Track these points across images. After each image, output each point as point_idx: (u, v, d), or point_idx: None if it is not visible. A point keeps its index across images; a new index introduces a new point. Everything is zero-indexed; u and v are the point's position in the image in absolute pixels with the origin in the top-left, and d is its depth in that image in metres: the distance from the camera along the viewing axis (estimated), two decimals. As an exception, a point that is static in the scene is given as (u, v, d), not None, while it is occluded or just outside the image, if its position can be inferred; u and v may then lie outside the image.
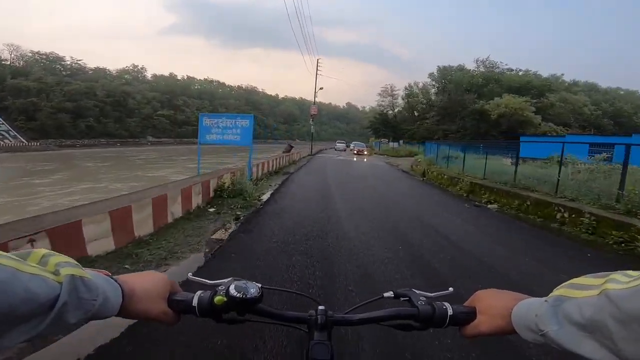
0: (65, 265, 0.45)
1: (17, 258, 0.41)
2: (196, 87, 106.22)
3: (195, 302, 0.63)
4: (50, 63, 70.00)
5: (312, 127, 33.73)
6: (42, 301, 0.40)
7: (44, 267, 0.44)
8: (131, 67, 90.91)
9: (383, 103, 67.88)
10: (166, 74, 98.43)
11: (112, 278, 0.55)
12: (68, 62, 72.50)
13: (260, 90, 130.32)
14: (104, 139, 61.25)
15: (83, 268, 0.48)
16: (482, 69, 59.03)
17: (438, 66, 61.26)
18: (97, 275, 0.51)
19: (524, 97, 44.79)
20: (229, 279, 0.67)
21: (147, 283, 0.61)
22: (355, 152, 34.74)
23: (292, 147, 31.78)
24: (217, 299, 0.61)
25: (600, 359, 0.40)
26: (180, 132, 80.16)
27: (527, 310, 0.53)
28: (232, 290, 0.61)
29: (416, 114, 63.02)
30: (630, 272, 0.41)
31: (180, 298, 0.64)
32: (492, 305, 0.62)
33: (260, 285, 0.65)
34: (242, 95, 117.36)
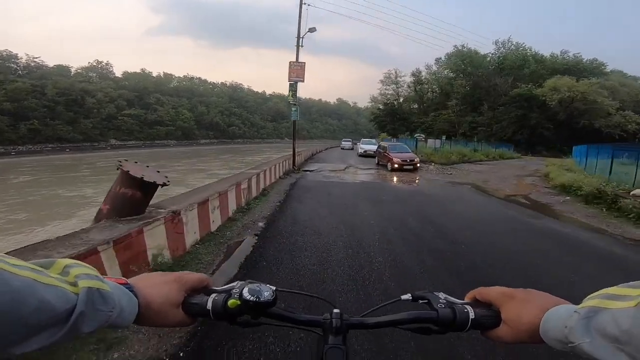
0: (85, 277, 0.45)
1: (38, 268, 0.42)
2: (174, 84, 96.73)
3: (209, 305, 0.62)
4: (2, 61, 59.29)
5: (293, 109, 15.56)
6: (58, 311, 0.41)
7: (64, 277, 0.45)
8: (94, 63, 78.63)
9: (387, 91, 56.35)
10: (139, 70, 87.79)
11: (130, 289, 0.54)
12: (23, 60, 62.71)
13: (246, 87, 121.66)
14: (53, 143, 52.73)
15: (103, 279, 0.48)
16: (502, 52, 47.65)
17: (456, 46, 49.53)
18: (115, 286, 0.51)
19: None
20: (243, 282, 0.65)
21: (163, 293, 0.59)
22: (394, 165, 16.11)
23: None
24: (230, 302, 0.60)
25: None
26: (151, 134, 70.40)
27: (555, 321, 0.50)
28: (246, 294, 0.60)
29: (425, 104, 52.22)
30: None
31: (195, 302, 0.63)
32: (518, 316, 0.56)
33: (274, 288, 0.63)
34: (226, 92, 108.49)
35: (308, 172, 14.78)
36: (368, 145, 23.25)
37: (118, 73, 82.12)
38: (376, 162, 19.56)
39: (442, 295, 0.66)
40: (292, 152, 15.89)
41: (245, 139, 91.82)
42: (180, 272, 0.66)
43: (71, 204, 13.43)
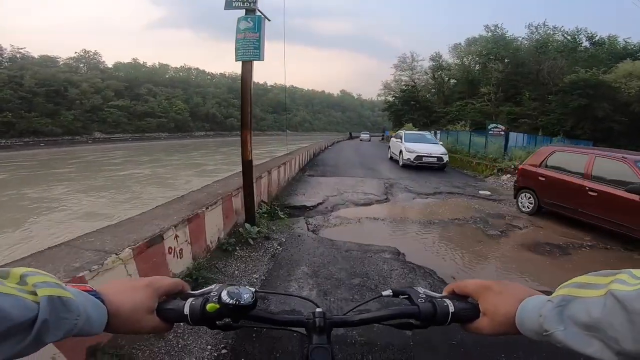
0: (43, 286, 0.43)
1: None
2: (170, 74, 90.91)
3: (187, 310, 0.59)
4: (-16, 53, 55.68)
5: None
6: (17, 321, 0.39)
7: (22, 286, 0.42)
8: (82, 53, 72.59)
9: (401, 77, 48.18)
10: (133, 62, 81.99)
11: (96, 296, 0.51)
12: (8, 51, 57.49)
13: None
14: (29, 137, 47.81)
15: (64, 286, 0.46)
16: (537, 36, 39.57)
17: (487, 26, 41.13)
18: (79, 293, 0.48)
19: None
20: (221, 284, 0.63)
21: (133, 299, 0.56)
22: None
23: None
24: (209, 306, 0.58)
25: (606, 358, 0.40)
26: (141, 126, 64.48)
27: (530, 310, 0.50)
28: (225, 297, 0.58)
29: (445, 93, 44.54)
30: (635, 271, 0.41)
31: (171, 307, 0.60)
32: (495, 306, 0.57)
33: (254, 289, 0.61)
34: (225, 83, 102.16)
35: (295, 227, 5.34)
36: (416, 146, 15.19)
37: (111, 64, 76.95)
38: (389, 156, 15.72)
39: (420, 289, 0.66)
40: (289, 152, 8.53)
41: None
42: (152, 277, 0.61)
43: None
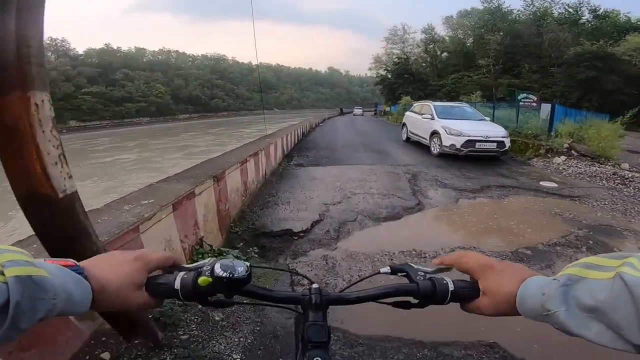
0: (11, 265, 0.37)
1: None
2: (147, 58, 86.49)
3: (177, 284, 0.54)
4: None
5: None
6: None
7: None
8: (48, 41, 68.10)
9: (393, 51, 44.99)
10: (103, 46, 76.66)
11: (78, 271, 0.46)
12: None
13: (230, 58, 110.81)
14: None
15: (38, 263, 0.40)
16: (534, 9, 37.22)
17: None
18: (57, 269, 0.43)
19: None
20: (214, 258, 0.56)
21: (121, 274, 0.51)
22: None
23: None
24: (201, 279, 0.52)
25: (605, 342, 0.38)
26: (119, 112, 61.19)
27: (534, 289, 0.47)
28: (218, 270, 0.53)
29: (439, 66, 42.33)
30: None
31: (161, 281, 0.54)
32: (496, 286, 0.53)
33: (248, 263, 0.56)
34: (208, 64, 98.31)
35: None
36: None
37: (82, 51, 71.89)
38: (404, 137, 11.31)
39: (420, 267, 0.61)
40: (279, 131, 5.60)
41: (230, 112, 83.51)
42: (141, 250, 0.56)
43: None
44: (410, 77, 36.53)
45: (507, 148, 7.88)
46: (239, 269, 0.53)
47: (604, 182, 6.25)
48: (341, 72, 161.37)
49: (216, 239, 3.23)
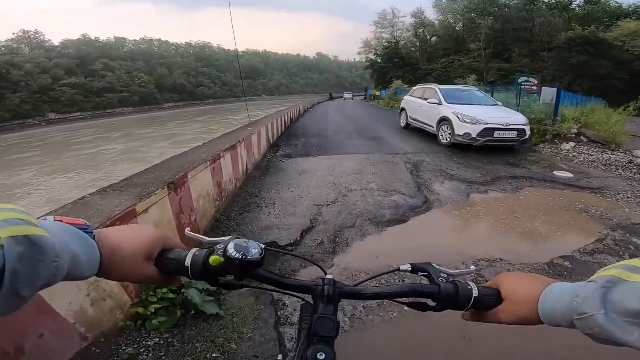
0: (5, 225, 0.33)
1: None
2: (128, 47, 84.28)
3: (188, 261, 0.51)
4: None
5: None
6: None
7: None
8: (21, 34, 65.31)
9: (382, 35, 43.88)
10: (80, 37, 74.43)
11: (87, 232, 0.42)
12: None
13: (216, 45, 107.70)
14: None
15: (36, 222, 0.35)
16: None
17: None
18: (60, 228, 0.39)
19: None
20: (229, 237, 0.53)
21: (132, 242, 0.48)
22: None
23: None
24: (212, 259, 0.50)
25: None
26: (100, 103, 59.44)
27: (560, 293, 0.45)
28: (231, 250, 0.50)
29: (429, 50, 41.77)
30: None
31: (172, 257, 0.52)
32: (517, 291, 0.51)
33: (263, 246, 0.53)
34: (193, 52, 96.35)
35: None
36: None
37: (58, 42, 69.97)
38: (403, 123, 10.11)
39: (442, 268, 0.57)
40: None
41: (218, 99, 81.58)
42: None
43: None
44: (401, 62, 35.65)
45: (527, 137, 6.86)
46: (253, 251, 0.51)
47: (620, 171, 5.65)
48: (330, 57, 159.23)
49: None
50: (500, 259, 2.85)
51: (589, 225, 3.58)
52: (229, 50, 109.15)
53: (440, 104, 7.65)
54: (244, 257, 0.50)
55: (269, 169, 5.63)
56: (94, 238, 0.43)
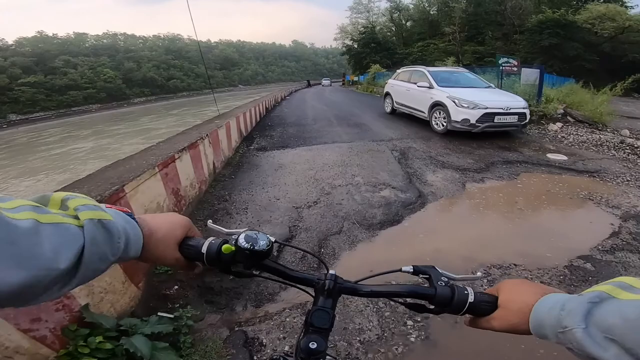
0: (84, 209, 0.38)
1: (37, 205, 0.35)
2: (90, 43, 79.82)
3: (204, 248, 0.54)
4: None
5: None
6: (69, 254, 0.34)
7: (65, 211, 0.38)
8: None
9: (358, 20, 43.15)
10: (39, 35, 70.06)
11: (132, 217, 0.46)
12: None
13: (186, 37, 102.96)
14: None
15: (104, 207, 0.41)
16: None
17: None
18: (117, 214, 0.43)
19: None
20: (245, 229, 0.57)
21: (166, 225, 0.52)
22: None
23: None
24: (224, 247, 0.53)
25: None
26: (64, 101, 56.54)
27: (552, 304, 0.43)
28: (242, 240, 0.53)
29: (404, 34, 41.55)
30: None
31: (192, 243, 0.55)
32: (513, 299, 0.50)
33: (273, 239, 0.57)
34: (162, 45, 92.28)
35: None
36: None
37: (12, 40, 64.88)
38: (388, 109, 9.33)
39: (445, 273, 0.58)
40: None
41: (192, 91, 78.59)
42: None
43: None
44: (377, 46, 34.97)
45: (527, 121, 6.28)
46: (261, 242, 0.54)
47: (613, 152, 5.39)
48: (306, 44, 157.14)
49: (123, 296, 1.89)
50: (514, 265, 2.41)
51: (598, 215, 3.22)
52: (200, 41, 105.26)
53: (431, 87, 6.94)
54: (252, 247, 0.52)
55: (241, 166, 4.99)
56: (137, 223, 0.46)
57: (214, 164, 4.16)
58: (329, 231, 2.85)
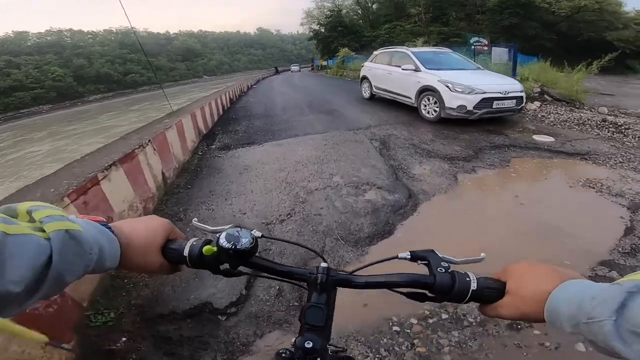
0: (49, 220, 0.37)
1: (5, 216, 0.35)
2: (32, 41, 74.74)
3: (186, 251, 0.52)
4: None
5: None
6: (37, 265, 0.34)
7: (32, 224, 0.36)
8: None
9: (325, 4, 42.11)
10: None
11: (107, 227, 0.45)
12: None
13: (141, 29, 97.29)
14: None
15: (72, 218, 0.40)
16: None
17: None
18: (89, 224, 0.42)
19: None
20: (229, 226, 0.53)
21: (145, 232, 0.50)
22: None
23: None
24: (206, 248, 0.50)
25: None
26: (11, 103, 52.81)
27: (575, 291, 0.39)
28: (222, 240, 0.50)
29: (371, 17, 41.16)
30: None
31: (174, 247, 0.53)
32: (523, 286, 0.46)
33: (257, 235, 0.53)
34: (115, 39, 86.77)
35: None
36: None
37: None
38: (366, 94, 8.47)
39: (445, 257, 0.53)
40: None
41: (152, 85, 74.14)
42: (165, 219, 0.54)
43: None
44: (344, 30, 34.22)
45: (523, 105, 5.75)
46: (244, 240, 0.50)
47: (597, 131, 5.15)
48: (272, 31, 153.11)
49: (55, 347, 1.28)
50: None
51: (604, 206, 2.89)
52: (158, 33, 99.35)
53: (417, 70, 6.20)
54: (234, 247, 0.49)
55: (199, 171, 4.28)
56: (112, 232, 0.45)
57: (163, 174, 3.45)
58: (308, 255, 2.29)
